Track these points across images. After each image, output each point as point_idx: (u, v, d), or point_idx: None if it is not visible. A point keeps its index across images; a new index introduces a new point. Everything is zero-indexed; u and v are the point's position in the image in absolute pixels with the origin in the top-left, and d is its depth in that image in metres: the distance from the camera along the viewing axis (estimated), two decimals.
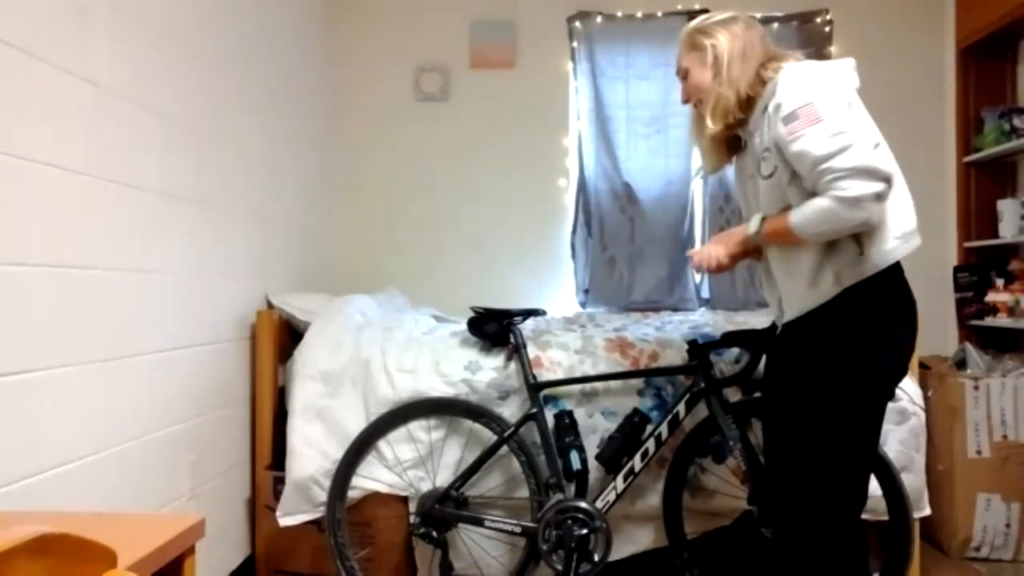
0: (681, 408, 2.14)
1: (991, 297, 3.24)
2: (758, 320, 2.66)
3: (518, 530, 2.16)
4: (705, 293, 3.61)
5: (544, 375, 2.31)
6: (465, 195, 3.72)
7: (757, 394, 2.19)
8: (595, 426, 2.29)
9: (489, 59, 3.70)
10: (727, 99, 1.64)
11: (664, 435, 2.14)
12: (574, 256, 3.64)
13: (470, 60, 3.71)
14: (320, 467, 2.30)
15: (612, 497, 2.14)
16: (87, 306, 1.66)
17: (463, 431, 2.33)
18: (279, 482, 2.40)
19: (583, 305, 3.62)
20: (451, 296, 3.56)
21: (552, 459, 2.17)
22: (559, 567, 2.08)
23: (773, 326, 1.82)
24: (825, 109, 1.47)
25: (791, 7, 3.57)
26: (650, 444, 2.14)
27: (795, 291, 1.63)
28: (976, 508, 2.71)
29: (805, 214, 1.50)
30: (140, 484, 1.89)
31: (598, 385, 2.32)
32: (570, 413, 2.23)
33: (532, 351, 2.35)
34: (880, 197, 1.44)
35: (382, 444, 2.31)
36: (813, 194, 1.49)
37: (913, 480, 2.23)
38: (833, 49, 3.55)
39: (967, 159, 3.40)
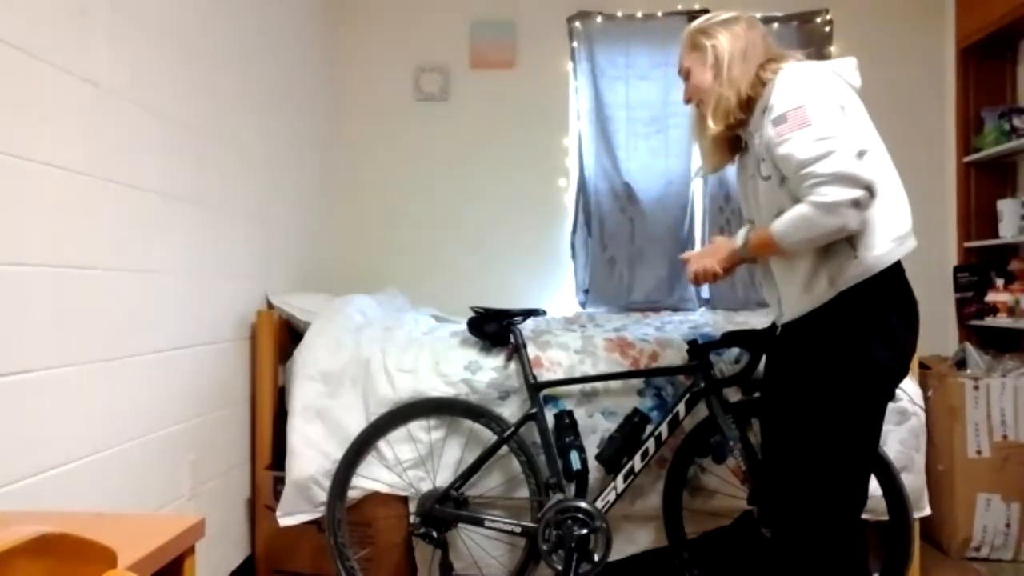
0: (681, 408, 2.14)
1: (991, 297, 3.24)
2: (758, 320, 2.66)
3: (518, 530, 2.16)
4: (705, 293, 3.61)
5: (544, 375, 2.31)
6: (465, 195, 3.72)
7: (757, 394, 2.19)
8: (595, 426, 2.29)
9: (489, 59, 3.70)
10: (728, 100, 1.64)
11: (664, 435, 2.14)
12: (574, 256, 3.64)
13: (470, 60, 3.71)
14: (320, 467, 2.30)
15: (612, 497, 2.14)
16: (87, 306, 1.66)
17: (463, 431, 2.33)
18: (279, 482, 2.40)
19: (583, 305, 3.62)
20: (451, 296, 3.56)
21: (552, 459, 2.17)
22: (559, 567, 2.08)
23: (773, 326, 1.82)
24: (815, 113, 1.47)
25: (791, 7, 3.57)
26: (650, 444, 2.14)
27: (791, 294, 1.63)
28: (976, 508, 2.71)
29: (784, 223, 1.51)
30: (140, 484, 1.89)
31: (598, 385, 2.32)
32: (570, 413, 2.23)
33: (532, 351, 2.35)
34: (858, 204, 1.43)
35: (382, 444, 2.31)
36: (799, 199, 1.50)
37: (913, 480, 2.23)
38: (833, 49, 3.55)
39: (967, 159, 3.40)
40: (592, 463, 2.20)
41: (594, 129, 3.62)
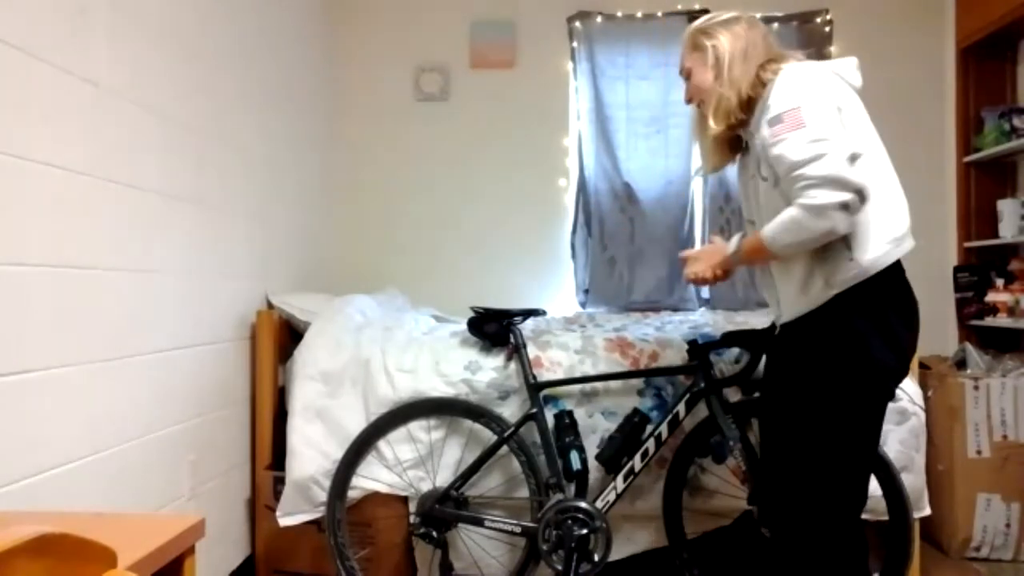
0: (681, 408, 2.14)
1: (991, 297, 3.24)
2: (758, 320, 2.66)
3: (518, 530, 2.16)
4: (705, 293, 3.61)
5: (544, 375, 2.31)
6: (465, 195, 3.72)
7: (757, 394, 2.19)
8: (595, 426, 2.29)
9: (489, 59, 3.70)
10: (729, 100, 1.64)
11: (664, 435, 2.14)
12: (574, 256, 3.64)
13: (470, 60, 3.71)
14: (320, 467, 2.30)
15: (612, 497, 2.14)
16: (87, 306, 1.66)
17: (463, 431, 2.33)
18: (279, 482, 2.40)
19: (583, 305, 3.62)
20: (451, 296, 3.56)
21: (552, 459, 2.17)
22: (559, 567, 2.08)
23: (773, 326, 1.82)
24: (810, 115, 1.47)
25: (791, 7, 3.57)
26: (650, 444, 2.14)
27: (789, 294, 1.64)
28: (976, 508, 2.71)
29: (774, 226, 1.52)
30: (140, 484, 1.89)
31: (598, 385, 2.32)
32: (570, 413, 2.23)
33: (532, 351, 2.35)
34: (847, 207, 1.43)
35: (382, 444, 2.31)
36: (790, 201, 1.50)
37: (913, 480, 2.23)
38: (833, 49, 3.55)
39: (967, 159, 3.40)
40: (592, 463, 2.20)
41: (594, 129, 3.62)
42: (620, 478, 2.14)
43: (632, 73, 3.61)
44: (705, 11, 3.40)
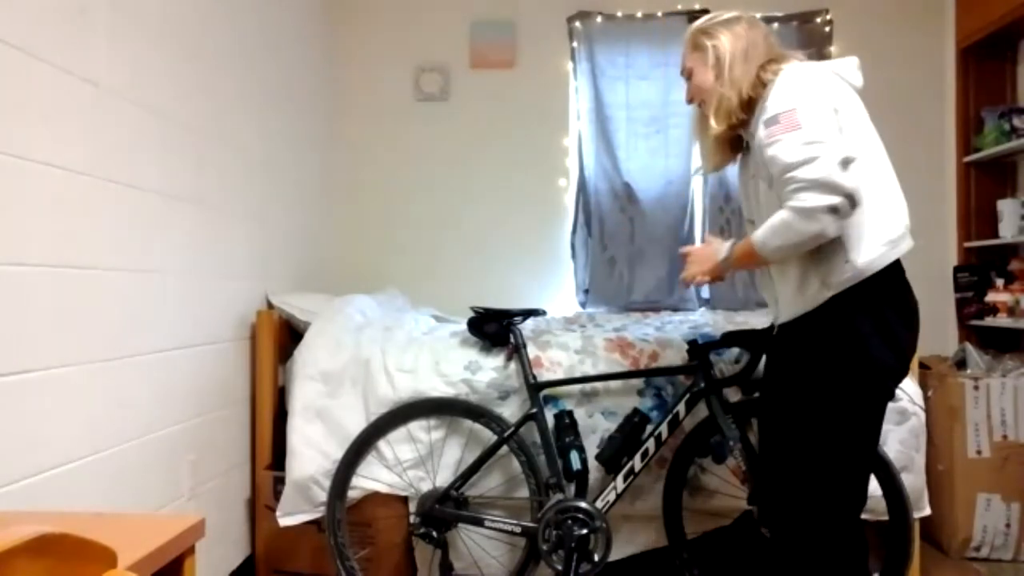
0: (681, 408, 2.14)
1: (991, 297, 3.24)
2: (758, 320, 2.66)
3: (518, 530, 2.16)
4: (705, 293, 3.61)
5: (544, 375, 2.31)
6: (465, 195, 3.72)
7: (757, 394, 2.19)
8: (595, 426, 2.29)
9: (489, 59, 3.70)
10: (730, 100, 1.64)
11: (664, 435, 2.14)
12: (574, 256, 3.64)
13: (470, 60, 3.71)
14: (320, 467, 2.30)
15: (612, 497, 2.14)
16: (87, 306, 1.66)
17: (463, 431, 2.33)
18: (279, 482, 2.40)
19: (583, 305, 3.62)
20: (451, 296, 3.56)
21: (552, 459, 2.17)
22: (559, 567, 2.08)
23: (773, 326, 1.82)
24: (806, 117, 1.47)
25: (791, 7, 3.57)
26: (650, 444, 2.14)
27: (786, 295, 1.64)
28: (976, 508, 2.71)
29: (764, 229, 1.53)
30: (140, 484, 1.89)
31: (598, 385, 2.32)
32: (570, 413, 2.23)
33: (532, 351, 2.35)
34: (835, 211, 1.43)
35: (382, 444, 2.31)
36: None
37: (913, 480, 2.23)
38: (833, 49, 3.55)
39: (967, 159, 3.40)
40: (592, 463, 2.20)
41: (594, 129, 3.62)
42: (620, 478, 2.14)
43: (632, 73, 3.61)
44: (705, 11, 3.40)
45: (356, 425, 2.32)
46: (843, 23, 3.58)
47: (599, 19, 3.63)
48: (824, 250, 1.53)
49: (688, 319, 3.07)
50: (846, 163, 1.45)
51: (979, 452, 2.71)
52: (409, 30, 3.73)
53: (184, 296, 2.11)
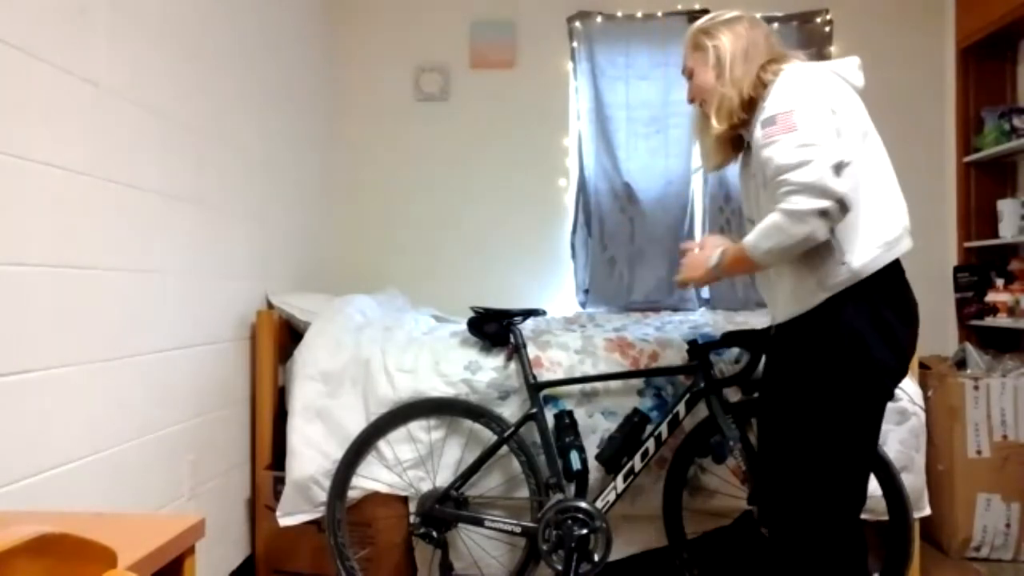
0: (681, 408, 2.14)
1: (991, 297, 3.24)
2: (758, 320, 2.66)
3: (518, 530, 2.16)
4: (705, 293, 3.61)
5: (544, 375, 2.31)
6: (465, 195, 3.72)
7: (757, 394, 2.19)
8: (595, 426, 2.29)
9: (489, 59, 3.70)
10: (730, 100, 1.64)
11: (664, 435, 2.14)
12: (574, 256, 3.64)
13: (470, 60, 3.71)
14: (320, 467, 2.30)
15: (612, 497, 2.14)
16: (87, 306, 1.66)
17: (463, 431, 2.33)
18: (279, 482, 2.40)
19: (583, 305, 3.62)
20: (451, 296, 3.56)
21: (552, 459, 2.17)
22: (559, 567, 2.08)
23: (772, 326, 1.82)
24: (802, 119, 1.47)
25: (791, 7, 3.57)
26: (650, 444, 2.14)
27: (783, 296, 1.64)
28: (976, 508, 2.71)
29: (756, 232, 1.52)
30: (140, 484, 1.89)
31: (598, 385, 2.32)
32: (570, 413, 2.23)
33: (532, 351, 2.35)
34: (826, 215, 1.43)
35: (382, 444, 2.31)
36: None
37: (913, 480, 2.23)
38: (833, 49, 3.55)
39: (967, 159, 3.40)
40: (592, 463, 2.20)
41: (594, 129, 3.62)
42: (620, 478, 2.14)
43: (632, 73, 3.61)
44: (705, 11, 3.40)
45: (356, 425, 2.32)
46: (843, 23, 3.58)
47: (599, 19, 3.63)
48: (820, 252, 1.53)
49: (688, 319, 3.07)
50: (839, 167, 1.44)
51: (979, 452, 2.71)
52: (409, 30, 3.73)
53: (184, 296, 2.11)
